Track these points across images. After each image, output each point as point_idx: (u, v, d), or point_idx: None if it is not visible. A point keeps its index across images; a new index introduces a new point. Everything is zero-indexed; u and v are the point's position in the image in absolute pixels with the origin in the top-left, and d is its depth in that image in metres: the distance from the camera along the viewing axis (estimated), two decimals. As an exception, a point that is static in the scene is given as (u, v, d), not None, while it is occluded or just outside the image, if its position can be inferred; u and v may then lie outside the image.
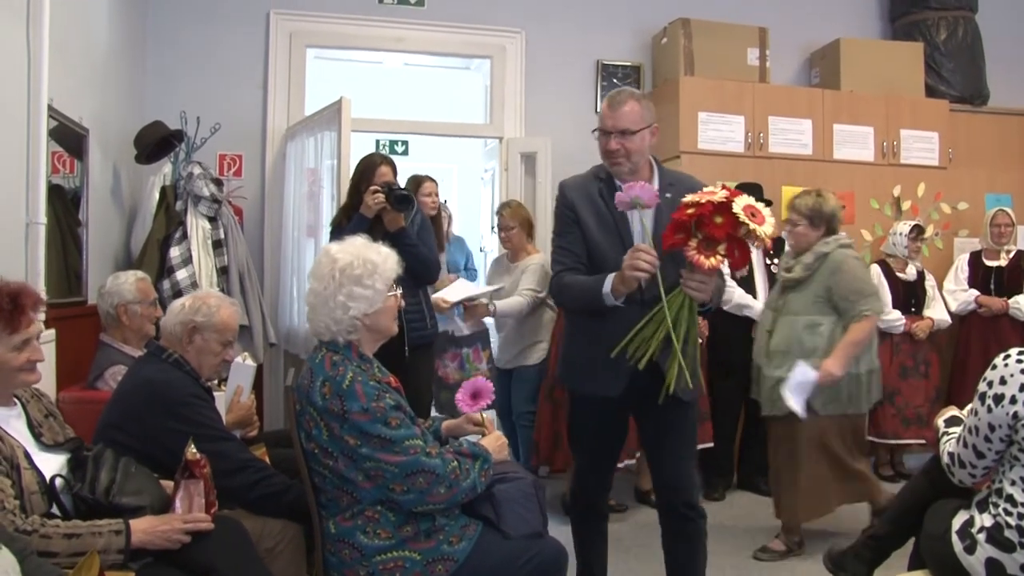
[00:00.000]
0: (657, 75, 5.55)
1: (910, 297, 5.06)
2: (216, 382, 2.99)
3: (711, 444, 4.61)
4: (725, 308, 4.64)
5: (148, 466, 2.26)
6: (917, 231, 5.10)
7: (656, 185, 2.63)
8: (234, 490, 2.40)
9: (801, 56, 5.96)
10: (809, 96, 5.46)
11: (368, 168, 3.82)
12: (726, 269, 3.68)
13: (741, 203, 2.25)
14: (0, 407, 2.00)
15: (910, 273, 5.11)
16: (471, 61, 5.85)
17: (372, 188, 3.70)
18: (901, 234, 5.06)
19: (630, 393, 2.63)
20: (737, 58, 5.36)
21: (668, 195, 2.59)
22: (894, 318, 4.95)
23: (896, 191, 5.46)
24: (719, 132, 5.14)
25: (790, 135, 5.30)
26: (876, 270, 5.07)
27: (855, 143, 5.44)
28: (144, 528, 1.95)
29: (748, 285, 4.70)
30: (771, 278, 4.79)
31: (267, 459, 2.77)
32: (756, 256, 4.79)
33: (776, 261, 4.83)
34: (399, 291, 2.35)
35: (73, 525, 1.90)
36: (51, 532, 1.84)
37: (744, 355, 4.46)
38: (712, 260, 2.27)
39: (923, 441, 4.86)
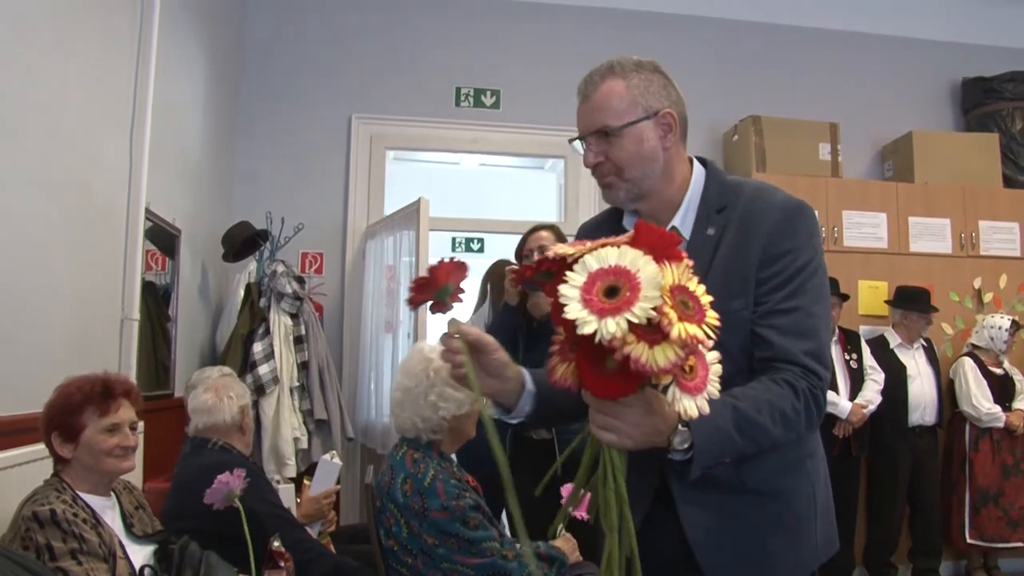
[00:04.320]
0: (729, 172, 5.57)
1: (1004, 392, 4.92)
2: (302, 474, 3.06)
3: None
4: None
5: (216, 549, 2.29)
6: (1015, 326, 4.99)
7: (692, 217, 1.63)
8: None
9: (873, 150, 5.96)
10: (883, 189, 5.43)
11: (527, 235, 3.42)
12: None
13: (623, 259, 1.11)
14: (98, 497, 2.07)
15: (1003, 367, 4.99)
16: (545, 161, 5.99)
17: (509, 268, 3.31)
18: (1001, 328, 4.95)
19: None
20: (809, 153, 5.38)
21: (711, 231, 1.60)
22: (994, 412, 4.81)
23: (977, 283, 5.35)
24: (793, 227, 5.10)
25: (865, 229, 5.27)
26: (970, 364, 4.96)
27: (932, 235, 5.36)
28: None
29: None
30: (851, 373, 4.71)
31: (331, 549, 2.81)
32: (835, 351, 4.73)
33: (855, 356, 4.76)
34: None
35: None
36: None
37: (828, 453, 4.39)
38: (562, 369, 1.21)
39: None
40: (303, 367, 4.39)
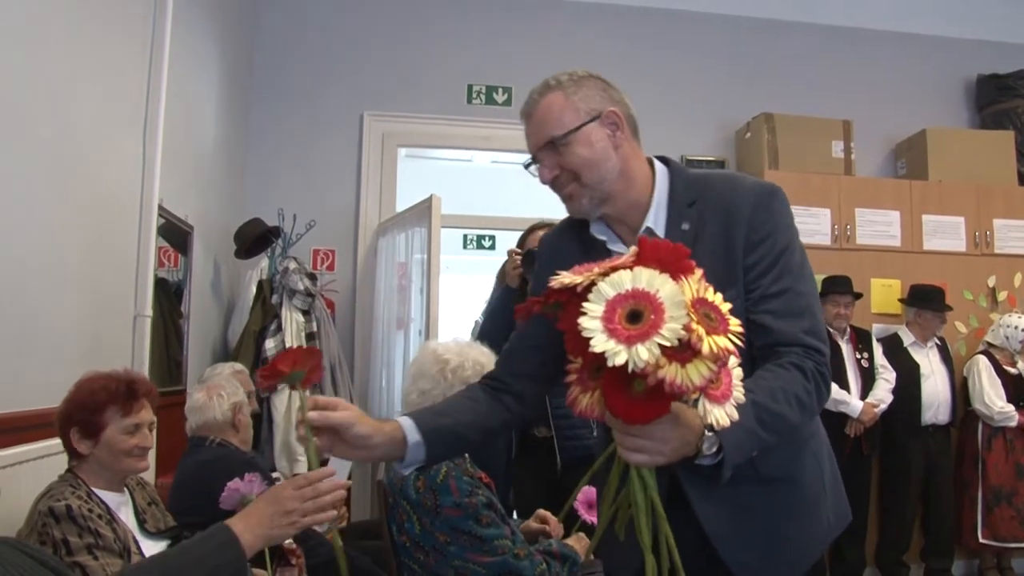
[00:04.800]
0: (741, 169, 5.56)
1: (1018, 391, 4.89)
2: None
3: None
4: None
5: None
6: None
7: (663, 215, 1.62)
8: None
9: (886, 147, 5.93)
10: (896, 187, 5.40)
11: (525, 234, 3.54)
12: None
13: (635, 281, 1.07)
14: (112, 493, 2.08)
15: (1017, 367, 4.96)
16: (556, 158, 5.97)
17: (510, 249, 3.39)
18: (1018, 328, 4.93)
19: None
20: (822, 151, 5.36)
21: (686, 226, 1.58)
22: (1007, 411, 4.78)
23: (991, 281, 5.32)
24: (805, 225, 5.06)
25: (878, 226, 5.24)
26: (984, 362, 4.94)
27: (946, 233, 5.33)
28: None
29: (839, 379, 4.60)
30: (863, 372, 4.69)
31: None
32: (847, 349, 4.71)
33: (867, 355, 4.74)
34: None
35: None
36: None
37: (839, 452, 4.38)
38: (586, 399, 1.17)
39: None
40: (315, 364, 4.39)
